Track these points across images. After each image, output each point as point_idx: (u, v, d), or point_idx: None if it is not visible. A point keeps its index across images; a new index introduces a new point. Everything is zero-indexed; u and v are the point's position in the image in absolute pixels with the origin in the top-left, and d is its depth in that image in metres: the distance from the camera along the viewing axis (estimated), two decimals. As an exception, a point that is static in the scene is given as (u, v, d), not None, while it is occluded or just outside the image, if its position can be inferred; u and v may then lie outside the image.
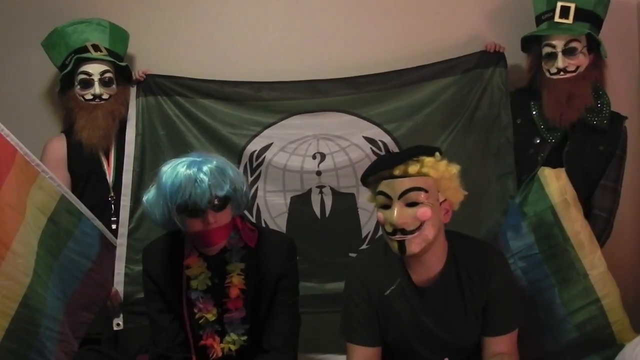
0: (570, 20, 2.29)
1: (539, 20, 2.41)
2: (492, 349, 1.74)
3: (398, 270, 1.77)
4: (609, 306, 1.86)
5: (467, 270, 1.74)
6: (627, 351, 1.75)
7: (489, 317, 1.74)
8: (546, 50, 2.34)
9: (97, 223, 2.23)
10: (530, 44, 2.44)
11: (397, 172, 1.65)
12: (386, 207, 1.66)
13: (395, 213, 1.62)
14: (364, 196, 2.45)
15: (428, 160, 1.66)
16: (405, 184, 1.64)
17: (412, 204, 1.63)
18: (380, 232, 2.46)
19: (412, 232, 1.63)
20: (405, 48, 2.64)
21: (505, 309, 1.74)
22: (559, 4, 2.31)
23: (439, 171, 1.67)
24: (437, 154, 1.69)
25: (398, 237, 1.63)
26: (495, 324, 1.74)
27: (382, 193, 1.67)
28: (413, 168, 1.64)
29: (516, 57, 2.54)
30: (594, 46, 2.32)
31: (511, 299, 1.76)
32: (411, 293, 1.76)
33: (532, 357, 1.91)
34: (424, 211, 1.63)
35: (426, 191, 1.64)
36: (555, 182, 2.03)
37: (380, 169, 1.69)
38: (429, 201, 1.65)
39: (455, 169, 1.71)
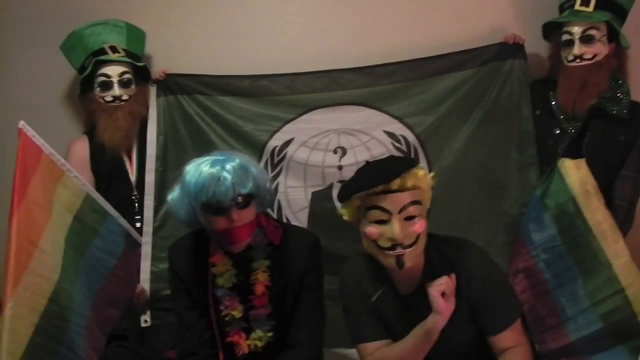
0: (590, 9, 2.27)
1: (562, 9, 2.39)
2: (499, 346, 1.71)
3: (382, 279, 1.77)
4: (634, 296, 1.83)
5: (443, 273, 1.70)
6: (653, 341, 1.74)
7: (483, 318, 1.71)
8: (564, 37, 2.33)
9: (122, 221, 2.25)
10: (552, 32, 2.42)
11: (394, 186, 1.62)
12: (381, 222, 1.63)
13: (397, 228, 1.60)
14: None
15: (420, 172, 1.67)
16: (406, 197, 1.62)
17: (410, 218, 1.63)
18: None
19: (409, 245, 1.63)
20: (425, 40, 2.61)
21: (496, 305, 1.70)
22: None
23: (427, 183, 1.68)
24: (420, 165, 1.70)
25: (398, 251, 1.62)
26: (492, 323, 1.71)
27: (378, 207, 1.63)
28: (410, 181, 1.63)
29: (536, 47, 2.52)
30: (614, 36, 2.29)
31: (498, 293, 1.71)
32: (395, 302, 1.76)
33: (557, 349, 1.92)
34: (420, 224, 1.64)
35: (421, 204, 1.65)
36: (575, 173, 2.00)
37: (375, 184, 1.63)
38: (422, 214, 1.65)
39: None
